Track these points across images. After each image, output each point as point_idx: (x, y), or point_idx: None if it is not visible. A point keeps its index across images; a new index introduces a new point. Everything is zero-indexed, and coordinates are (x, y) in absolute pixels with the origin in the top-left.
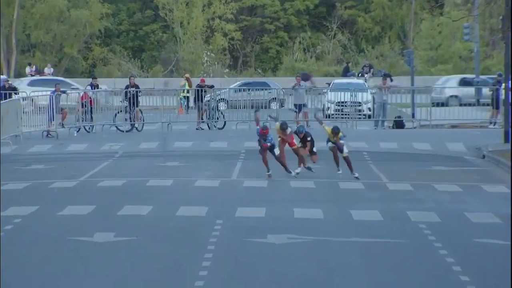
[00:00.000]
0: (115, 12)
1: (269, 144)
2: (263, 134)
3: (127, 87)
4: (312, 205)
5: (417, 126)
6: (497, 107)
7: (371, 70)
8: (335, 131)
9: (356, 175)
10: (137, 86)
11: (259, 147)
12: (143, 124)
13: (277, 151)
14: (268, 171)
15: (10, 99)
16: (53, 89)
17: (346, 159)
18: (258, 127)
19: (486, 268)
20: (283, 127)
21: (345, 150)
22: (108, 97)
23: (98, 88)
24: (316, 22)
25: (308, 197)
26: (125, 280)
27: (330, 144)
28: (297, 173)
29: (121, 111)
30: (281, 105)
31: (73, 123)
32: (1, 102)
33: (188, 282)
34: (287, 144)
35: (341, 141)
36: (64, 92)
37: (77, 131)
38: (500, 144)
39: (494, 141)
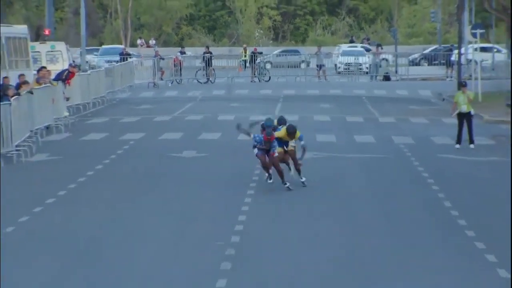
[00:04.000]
0: (196, 2)
1: (276, 153)
2: (267, 141)
3: (204, 53)
4: (328, 133)
5: (399, 79)
6: (451, 66)
7: (369, 41)
8: (290, 130)
9: (303, 179)
10: (210, 53)
11: (259, 153)
12: (215, 78)
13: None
14: (270, 177)
15: (126, 61)
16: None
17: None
18: (257, 135)
19: (443, 172)
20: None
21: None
22: (191, 60)
23: (185, 54)
24: (331, 9)
25: (325, 127)
26: (204, 180)
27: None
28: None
29: (200, 69)
30: (308, 65)
31: (169, 78)
32: (121, 63)
33: (246, 181)
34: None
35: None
36: (162, 58)
37: (171, 83)
38: (454, 91)
39: (450, 89)
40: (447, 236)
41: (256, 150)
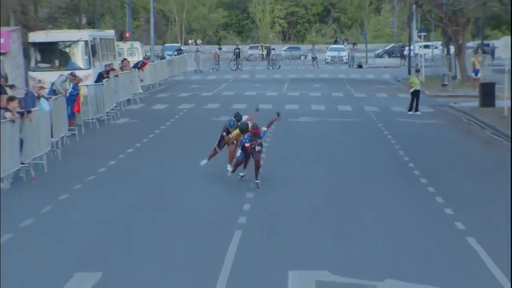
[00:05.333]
0: (229, 14)
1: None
2: (254, 135)
3: (234, 49)
4: (319, 104)
5: (368, 67)
6: (404, 58)
7: (347, 41)
8: (242, 127)
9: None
10: (239, 49)
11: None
12: (242, 66)
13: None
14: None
15: (181, 55)
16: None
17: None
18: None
19: (398, 130)
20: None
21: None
22: (226, 54)
23: (221, 49)
24: (322, 19)
25: (317, 100)
26: None
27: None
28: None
29: (232, 60)
30: (305, 58)
31: (210, 66)
32: (177, 56)
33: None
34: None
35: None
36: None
37: (212, 70)
38: (406, 75)
39: (403, 74)
40: (400, 174)
41: (239, 153)
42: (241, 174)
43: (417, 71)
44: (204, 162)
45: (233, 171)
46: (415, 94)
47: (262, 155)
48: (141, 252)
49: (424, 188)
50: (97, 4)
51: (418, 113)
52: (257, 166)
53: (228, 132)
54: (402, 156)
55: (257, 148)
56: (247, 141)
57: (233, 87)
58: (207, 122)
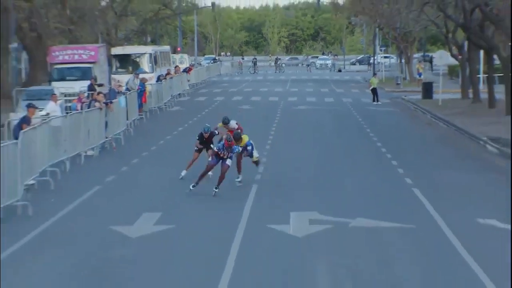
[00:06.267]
0: (249, 35)
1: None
2: (228, 147)
3: (253, 59)
4: (311, 97)
5: (345, 71)
6: (370, 65)
7: (331, 53)
8: (236, 137)
9: (239, 178)
10: (256, 59)
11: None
12: (258, 71)
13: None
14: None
15: (216, 62)
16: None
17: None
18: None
19: (367, 115)
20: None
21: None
22: (247, 62)
23: (243, 59)
24: (313, 37)
25: (310, 94)
26: (251, 117)
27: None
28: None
29: (251, 67)
30: (302, 65)
31: (236, 71)
32: (213, 63)
33: (271, 123)
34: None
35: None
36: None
37: (237, 74)
38: (370, 77)
39: (369, 76)
40: (367, 145)
41: (210, 159)
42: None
43: (375, 74)
44: (184, 172)
45: (200, 176)
46: (374, 90)
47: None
48: (189, 196)
49: (383, 155)
50: (158, 28)
51: (379, 103)
52: (222, 177)
53: (202, 138)
54: (369, 133)
55: (228, 160)
56: (219, 148)
57: (252, 85)
58: (234, 109)
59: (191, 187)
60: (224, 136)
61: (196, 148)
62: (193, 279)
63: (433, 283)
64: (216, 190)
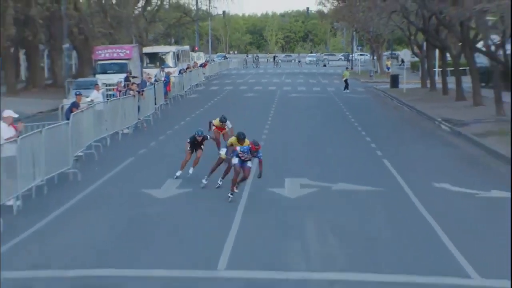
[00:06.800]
0: (252, 37)
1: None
2: (255, 150)
3: (255, 57)
4: (302, 87)
5: (329, 66)
6: (349, 61)
7: (318, 52)
8: (241, 137)
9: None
10: (258, 56)
11: (238, 164)
12: (259, 66)
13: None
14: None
15: (226, 59)
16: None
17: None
18: (243, 146)
19: (344, 99)
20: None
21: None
22: (250, 59)
23: (248, 56)
24: (304, 39)
25: (301, 84)
26: (255, 102)
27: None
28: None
29: (253, 62)
30: (295, 61)
31: (241, 66)
32: (224, 60)
33: (270, 105)
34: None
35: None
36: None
37: (243, 68)
38: (348, 72)
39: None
40: (345, 123)
41: (236, 160)
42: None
43: (347, 68)
44: (179, 172)
45: (233, 185)
46: (346, 81)
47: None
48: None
49: (359, 132)
50: (180, 32)
51: (348, 91)
52: (243, 179)
53: (194, 140)
54: (348, 115)
55: (249, 163)
56: (243, 151)
57: (254, 77)
58: (240, 96)
59: (203, 181)
60: (232, 140)
61: (189, 149)
62: (208, 228)
63: (398, 231)
64: (235, 193)
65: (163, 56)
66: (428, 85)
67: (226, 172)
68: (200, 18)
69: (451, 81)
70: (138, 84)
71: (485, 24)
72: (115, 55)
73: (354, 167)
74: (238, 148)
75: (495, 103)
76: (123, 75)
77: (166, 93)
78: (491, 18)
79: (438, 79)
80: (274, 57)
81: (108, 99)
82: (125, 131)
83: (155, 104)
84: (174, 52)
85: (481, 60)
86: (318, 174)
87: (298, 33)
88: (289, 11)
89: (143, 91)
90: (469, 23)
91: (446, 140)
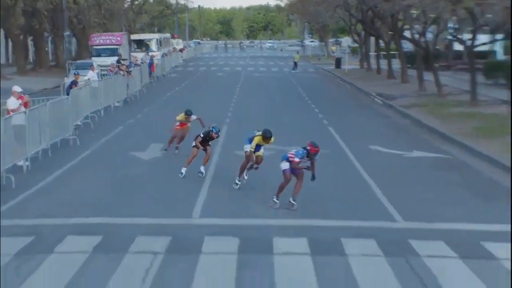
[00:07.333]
0: (222, 27)
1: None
2: (315, 153)
3: (225, 42)
4: (263, 67)
5: (285, 51)
6: (302, 46)
7: (275, 39)
8: (267, 135)
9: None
10: (227, 43)
11: (288, 170)
12: (228, 51)
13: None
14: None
15: (199, 45)
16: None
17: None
18: (298, 150)
19: (297, 78)
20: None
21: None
22: (220, 45)
23: (219, 42)
24: (264, 28)
25: (262, 66)
26: (226, 80)
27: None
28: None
29: (223, 47)
30: (255, 47)
31: (213, 51)
32: (196, 45)
33: (237, 80)
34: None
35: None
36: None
37: (214, 53)
38: (299, 55)
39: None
40: (298, 98)
41: (287, 165)
42: (245, 177)
43: (297, 52)
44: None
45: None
46: (295, 63)
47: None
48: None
49: (309, 105)
50: (162, 22)
51: (297, 71)
52: (300, 186)
53: (208, 136)
54: (299, 90)
55: (284, 164)
56: (301, 157)
57: (224, 60)
58: (212, 75)
59: (236, 181)
60: (257, 141)
61: (195, 144)
62: (184, 184)
63: (339, 185)
64: (295, 203)
65: (148, 42)
66: (365, 66)
67: (244, 167)
68: (179, 11)
69: (384, 63)
70: (127, 66)
71: (410, 16)
72: (108, 41)
73: (304, 133)
74: (293, 152)
75: (418, 80)
76: (115, 58)
77: (150, 73)
78: (415, 11)
79: (373, 61)
80: (240, 43)
81: (102, 78)
82: (116, 104)
83: (141, 82)
84: (157, 39)
85: (407, 46)
86: (275, 138)
87: (260, 23)
88: (253, 5)
89: (131, 71)
90: (398, 15)
91: (379, 111)
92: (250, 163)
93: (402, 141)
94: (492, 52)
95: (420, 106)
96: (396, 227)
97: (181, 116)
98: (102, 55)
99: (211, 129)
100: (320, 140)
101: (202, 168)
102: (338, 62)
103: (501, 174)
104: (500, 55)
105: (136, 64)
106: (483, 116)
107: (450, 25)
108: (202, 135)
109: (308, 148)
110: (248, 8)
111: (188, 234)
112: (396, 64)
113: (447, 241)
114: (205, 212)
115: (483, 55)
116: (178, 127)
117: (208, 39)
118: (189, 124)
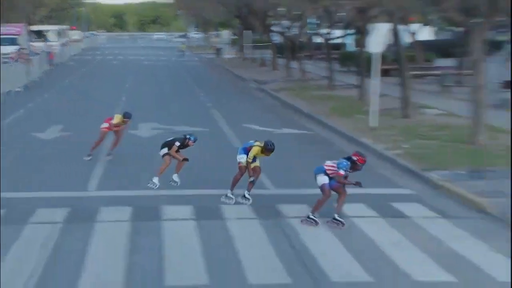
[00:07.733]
0: (117, 20)
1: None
2: (363, 163)
3: (119, 34)
4: (153, 56)
5: (172, 42)
6: (187, 38)
7: (165, 32)
8: (269, 148)
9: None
10: (121, 34)
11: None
12: (122, 42)
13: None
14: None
15: (95, 36)
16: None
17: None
18: (342, 161)
19: (183, 66)
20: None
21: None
22: (118, 36)
23: (114, 34)
24: (153, 22)
25: (152, 55)
26: (148, 64)
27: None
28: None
29: (120, 40)
30: (146, 38)
31: (108, 42)
32: (93, 36)
33: (130, 67)
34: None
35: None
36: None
37: (109, 43)
38: (184, 46)
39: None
40: (184, 84)
41: (326, 179)
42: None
43: (183, 43)
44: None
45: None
46: (182, 53)
47: None
48: (80, 114)
49: (195, 90)
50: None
51: (183, 59)
52: (342, 201)
53: (183, 144)
54: (185, 77)
55: (353, 182)
56: (346, 169)
57: (118, 50)
58: (108, 63)
59: (228, 195)
60: (255, 152)
61: (167, 152)
62: (80, 161)
63: (216, 158)
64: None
65: (46, 33)
66: (242, 56)
67: (237, 180)
68: (76, 5)
69: (257, 53)
70: (27, 54)
71: (278, 13)
72: (7, 31)
73: (190, 114)
74: (331, 163)
75: (286, 68)
76: (16, 47)
77: (50, 61)
78: (282, 9)
79: (249, 51)
80: (132, 35)
81: (2, 64)
82: (17, 89)
83: (41, 69)
84: (56, 30)
85: (277, 38)
86: (164, 119)
87: (152, 17)
88: (144, 1)
89: (31, 59)
90: (268, 12)
91: (254, 94)
92: (252, 178)
93: (273, 120)
94: (344, 45)
95: (288, 89)
96: (268, 194)
97: (118, 119)
98: (3, 44)
99: (187, 137)
100: (203, 120)
101: (175, 177)
102: (219, 52)
103: (347, 145)
104: (350, 47)
105: (36, 53)
106: (338, 98)
107: (311, 21)
108: (177, 144)
109: (355, 158)
110: (140, 4)
111: (85, 205)
112: (268, 54)
113: (310, 204)
114: (101, 185)
115: (337, 46)
116: (105, 129)
117: (104, 31)
118: (123, 127)
